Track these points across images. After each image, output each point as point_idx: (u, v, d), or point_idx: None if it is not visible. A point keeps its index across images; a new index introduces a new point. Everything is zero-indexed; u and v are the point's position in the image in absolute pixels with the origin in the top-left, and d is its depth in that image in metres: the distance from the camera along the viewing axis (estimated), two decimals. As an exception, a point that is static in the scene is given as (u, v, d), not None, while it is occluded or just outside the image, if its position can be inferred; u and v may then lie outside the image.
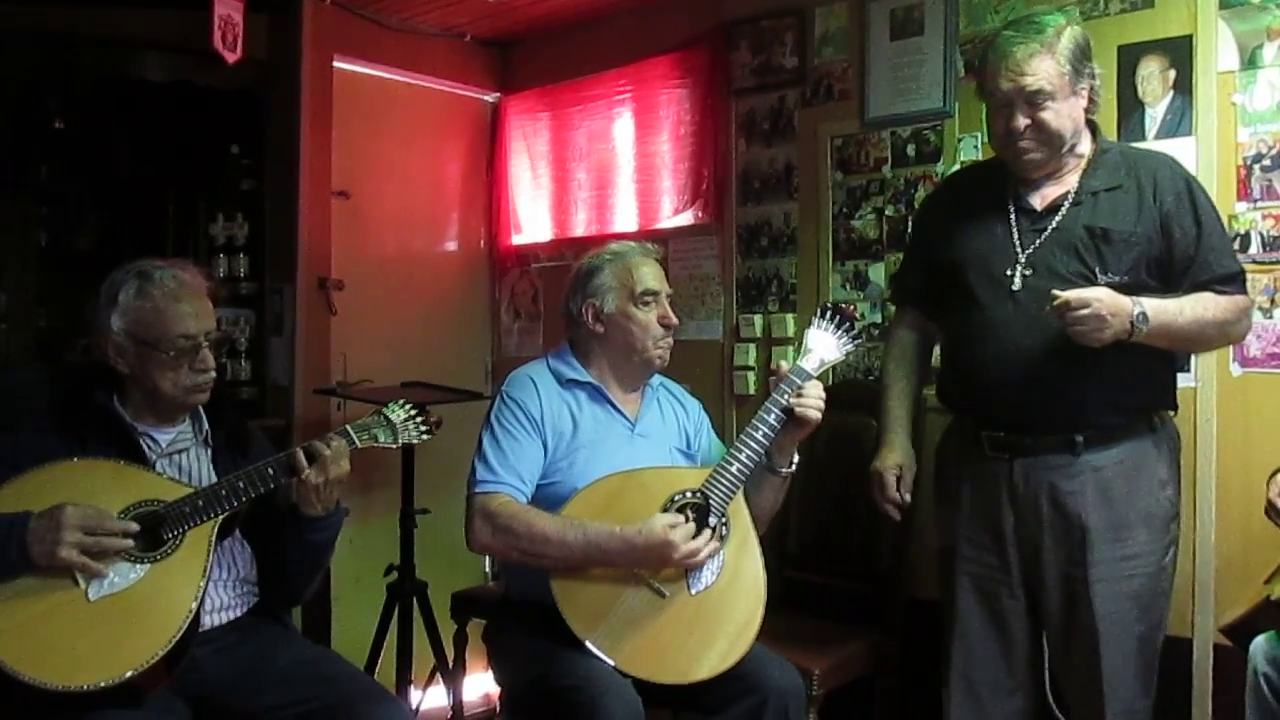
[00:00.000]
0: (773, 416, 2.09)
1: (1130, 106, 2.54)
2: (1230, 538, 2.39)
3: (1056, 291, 1.92)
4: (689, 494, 2.07)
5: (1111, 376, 2.02)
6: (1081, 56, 2.04)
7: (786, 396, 2.09)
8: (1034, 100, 2.01)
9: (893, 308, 2.63)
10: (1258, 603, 2.03)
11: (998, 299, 2.09)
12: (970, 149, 2.80)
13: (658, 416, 2.32)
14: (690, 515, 2.04)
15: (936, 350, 2.39)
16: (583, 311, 2.25)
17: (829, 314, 2.18)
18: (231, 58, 3.10)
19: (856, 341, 2.19)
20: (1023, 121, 2.03)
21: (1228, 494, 2.40)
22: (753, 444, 2.08)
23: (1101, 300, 1.90)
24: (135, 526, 1.79)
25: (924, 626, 2.41)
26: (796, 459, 2.20)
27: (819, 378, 2.14)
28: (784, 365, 2.16)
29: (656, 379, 2.35)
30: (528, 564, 2.07)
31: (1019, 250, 2.09)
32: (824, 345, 2.15)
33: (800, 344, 2.17)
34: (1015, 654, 2.19)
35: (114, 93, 3.46)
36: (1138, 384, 2.06)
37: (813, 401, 2.09)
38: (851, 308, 2.19)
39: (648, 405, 2.31)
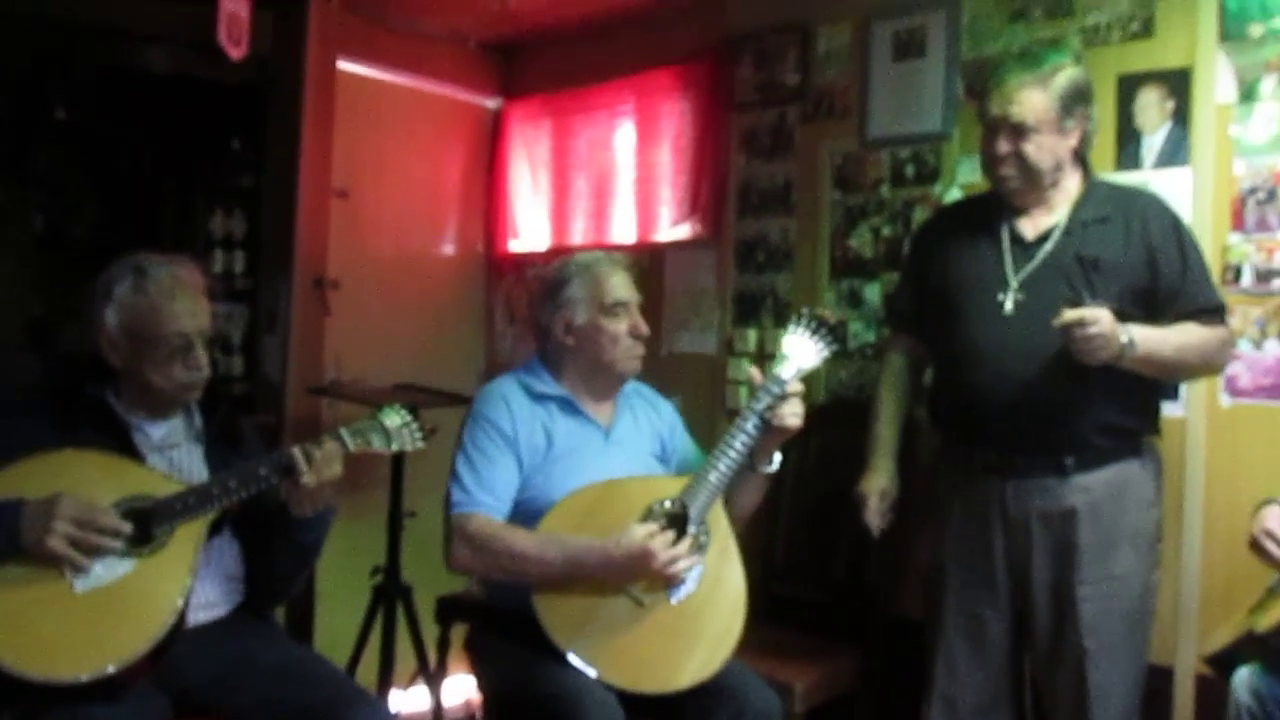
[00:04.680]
0: (750, 424, 2.08)
1: (1127, 136, 2.56)
2: (1216, 569, 2.40)
3: (1067, 310, 1.94)
4: (668, 503, 2.07)
5: (1101, 400, 2.07)
6: (1075, 98, 2.10)
7: (764, 404, 2.08)
8: (1018, 130, 2.07)
9: (885, 329, 2.65)
10: (1241, 634, 2.04)
11: (989, 322, 2.13)
12: (968, 171, 2.81)
13: (631, 423, 2.31)
14: (669, 525, 2.04)
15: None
16: (553, 324, 2.23)
17: (805, 320, 2.15)
18: (236, 53, 3.09)
19: (833, 348, 2.16)
20: (1004, 148, 2.09)
21: (1214, 524, 2.41)
22: (731, 452, 2.07)
23: (1103, 320, 1.93)
24: (128, 527, 1.79)
25: (909, 645, 2.42)
26: (779, 458, 2.18)
27: (798, 383, 2.11)
28: (754, 371, 2.14)
29: (629, 384, 2.33)
30: (508, 581, 2.07)
31: (1011, 276, 2.13)
32: (801, 352, 2.13)
33: (777, 351, 2.16)
34: (998, 676, 2.22)
35: (117, 84, 3.46)
36: (1126, 408, 2.11)
37: (791, 409, 2.08)
38: (828, 313, 2.17)
39: (621, 413, 2.30)
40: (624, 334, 2.21)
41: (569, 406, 2.24)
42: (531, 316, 2.31)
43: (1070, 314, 1.94)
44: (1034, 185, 2.13)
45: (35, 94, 3.37)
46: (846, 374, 3.03)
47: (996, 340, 2.12)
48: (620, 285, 2.24)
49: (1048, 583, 2.12)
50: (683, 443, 2.38)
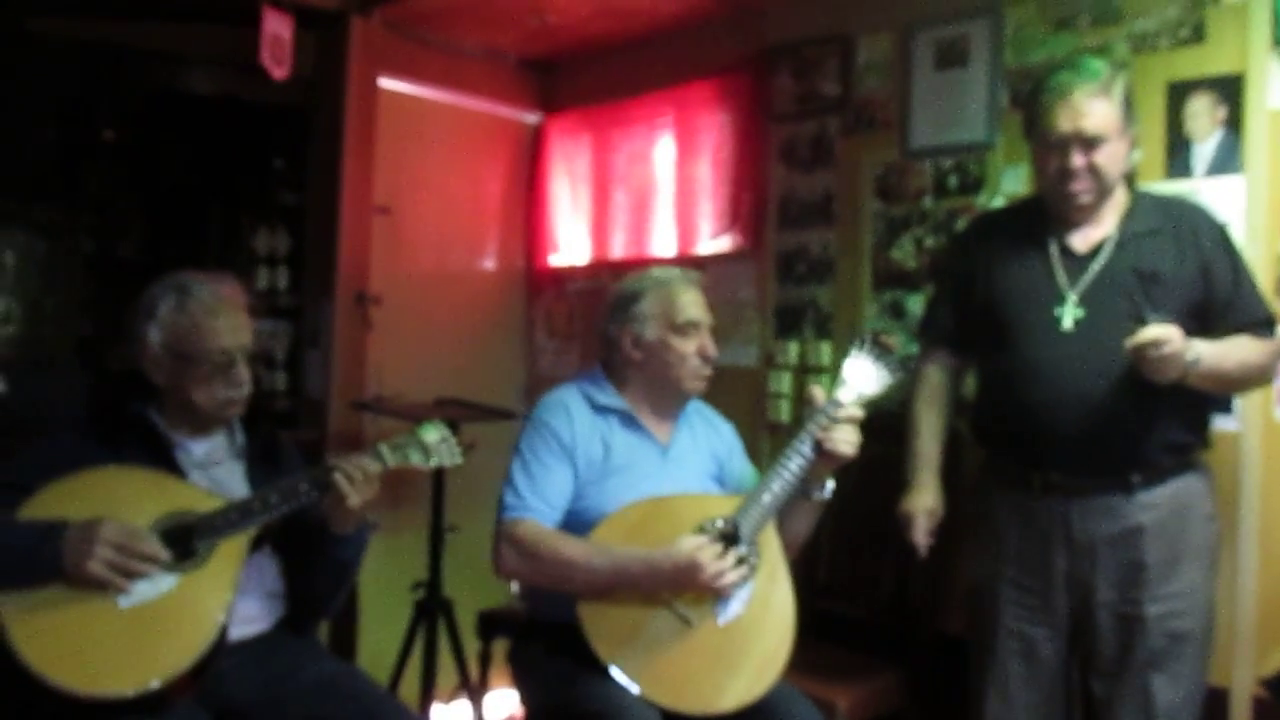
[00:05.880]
0: (806, 446, 2.05)
1: (1177, 144, 2.50)
2: (1272, 587, 2.34)
3: (1141, 330, 1.91)
4: (719, 522, 2.05)
5: (1163, 417, 2.04)
6: (1130, 102, 2.08)
7: (820, 427, 2.06)
8: (1092, 143, 2.03)
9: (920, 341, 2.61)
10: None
11: (1046, 339, 2.09)
12: (1012, 181, 2.77)
13: (690, 442, 2.30)
14: (719, 544, 2.02)
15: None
16: (621, 337, 2.23)
17: (868, 345, 2.13)
18: (279, 74, 3.15)
19: (896, 376, 2.13)
20: (1079, 162, 2.04)
21: (1270, 541, 2.35)
22: (785, 474, 2.05)
23: (1176, 339, 1.90)
24: (165, 554, 1.80)
25: (954, 663, 2.38)
26: (832, 485, 2.16)
27: (857, 409, 2.09)
28: (819, 392, 2.11)
29: (691, 403, 2.32)
30: (554, 589, 2.06)
31: (1066, 290, 2.09)
32: (861, 377, 2.11)
33: (837, 373, 2.13)
34: (1050, 697, 2.18)
35: (163, 105, 3.52)
36: (1184, 423, 2.08)
37: (845, 435, 2.05)
38: (892, 341, 2.14)
39: (680, 430, 2.29)
40: (691, 354, 2.20)
41: (630, 420, 2.23)
42: (600, 326, 2.29)
43: (1143, 334, 1.90)
44: (1103, 196, 2.09)
45: (84, 116, 3.43)
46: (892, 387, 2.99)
47: (1056, 358, 2.08)
48: (693, 305, 2.22)
49: (1112, 602, 2.08)
50: (740, 466, 2.35)
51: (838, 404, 2.07)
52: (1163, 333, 1.89)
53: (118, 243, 3.75)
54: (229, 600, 1.83)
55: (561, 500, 2.13)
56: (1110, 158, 2.04)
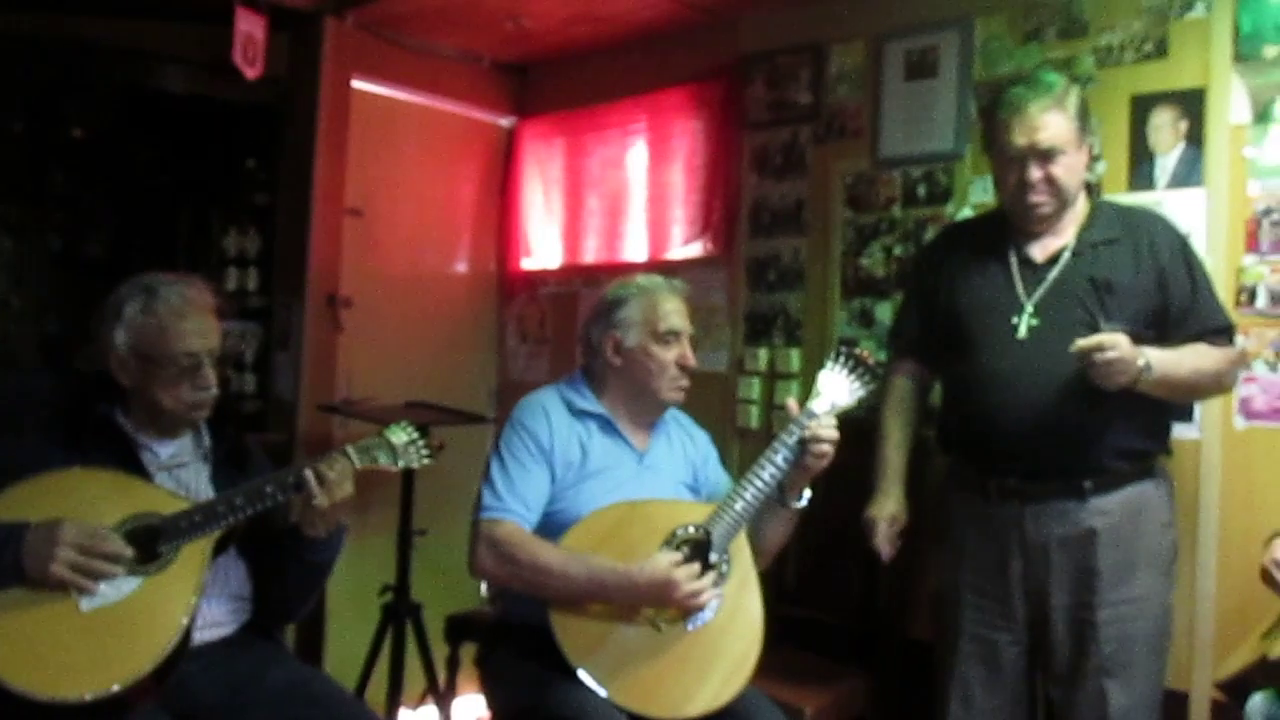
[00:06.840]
0: (779, 456, 2.07)
1: (1141, 156, 2.55)
2: (1231, 592, 2.37)
3: (1083, 340, 1.94)
4: (692, 529, 2.06)
5: (1117, 423, 2.07)
6: (1086, 114, 2.12)
7: (794, 437, 2.08)
8: (1048, 155, 2.06)
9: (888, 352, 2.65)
10: (1255, 660, 2.01)
11: (1002, 347, 2.12)
12: (981, 191, 2.80)
13: (666, 449, 2.31)
14: (691, 551, 2.03)
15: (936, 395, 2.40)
16: (603, 342, 2.24)
17: (843, 357, 2.15)
18: (252, 74, 3.13)
19: (869, 388, 2.15)
20: (1036, 175, 2.07)
21: (1229, 547, 2.39)
22: (759, 482, 2.06)
23: (1123, 345, 1.93)
24: (129, 551, 1.79)
25: (920, 668, 2.40)
26: (808, 494, 2.17)
27: (830, 419, 2.09)
28: (793, 403, 2.14)
29: (669, 411, 2.33)
30: (528, 593, 2.06)
31: (1023, 299, 2.11)
32: (835, 388, 2.12)
33: (812, 384, 2.15)
34: (1013, 702, 2.21)
35: (134, 103, 3.49)
36: (1141, 431, 2.11)
37: (818, 445, 2.07)
38: (866, 353, 2.16)
39: (657, 438, 2.30)
40: (671, 363, 2.21)
41: (607, 426, 2.24)
42: (584, 331, 2.31)
43: (1088, 339, 1.93)
44: (1063, 208, 2.13)
45: (52, 113, 3.40)
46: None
47: (1012, 365, 2.11)
48: (675, 314, 2.23)
49: (1066, 607, 2.11)
50: (715, 475, 2.36)
51: (811, 414, 2.09)
52: (1106, 338, 1.93)
53: (86, 242, 3.71)
54: (193, 603, 1.82)
55: (538, 502, 2.14)
56: (1067, 169, 2.08)
